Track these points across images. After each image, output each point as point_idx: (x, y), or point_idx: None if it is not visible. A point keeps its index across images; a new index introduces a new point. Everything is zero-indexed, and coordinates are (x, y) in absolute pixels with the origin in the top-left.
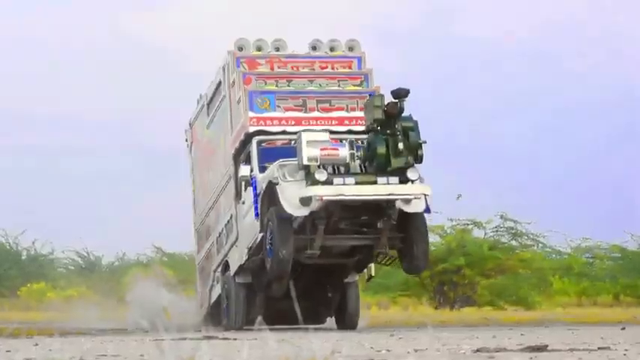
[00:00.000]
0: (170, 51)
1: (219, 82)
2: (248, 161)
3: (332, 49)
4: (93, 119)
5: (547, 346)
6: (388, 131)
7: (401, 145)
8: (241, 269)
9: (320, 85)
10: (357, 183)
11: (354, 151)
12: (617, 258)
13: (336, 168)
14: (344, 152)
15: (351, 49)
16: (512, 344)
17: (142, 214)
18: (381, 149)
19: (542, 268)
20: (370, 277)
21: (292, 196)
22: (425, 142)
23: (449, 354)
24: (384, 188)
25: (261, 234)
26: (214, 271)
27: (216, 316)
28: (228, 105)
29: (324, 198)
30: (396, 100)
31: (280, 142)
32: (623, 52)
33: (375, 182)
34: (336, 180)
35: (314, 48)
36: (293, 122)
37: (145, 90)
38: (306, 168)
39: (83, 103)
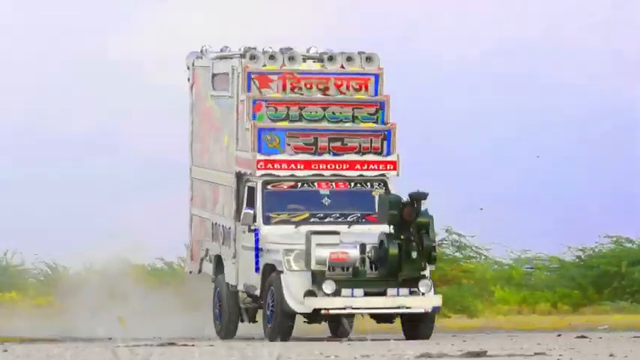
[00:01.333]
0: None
1: (228, 75)
2: (251, 201)
3: (349, 59)
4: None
5: (486, 351)
6: (402, 236)
7: (414, 254)
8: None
9: (333, 113)
10: (365, 294)
11: (365, 255)
12: (556, 269)
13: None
14: (354, 256)
15: (369, 59)
16: (454, 350)
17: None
18: (394, 253)
19: (485, 278)
20: None
21: (297, 291)
22: (440, 244)
23: (393, 359)
24: (393, 300)
25: (260, 292)
26: (208, 249)
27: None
28: (235, 114)
29: (331, 312)
30: (414, 205)
31: (287, 185)
32: None
33: (385, 293)
34: (345, 291)
35: (330, 58)
36: (302, 166)
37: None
38: (314, 272)
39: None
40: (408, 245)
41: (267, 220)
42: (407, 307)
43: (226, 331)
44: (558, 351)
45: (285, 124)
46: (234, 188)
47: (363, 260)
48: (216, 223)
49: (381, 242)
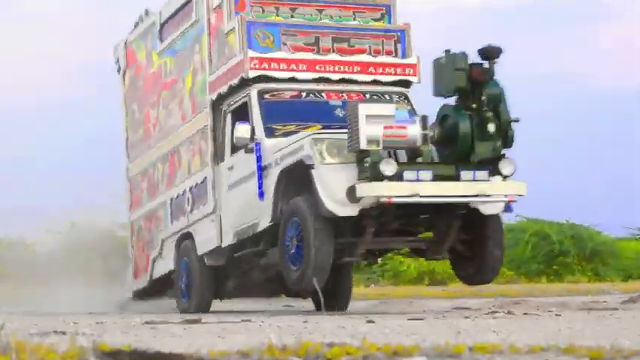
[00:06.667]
0: None
1: (187, 0)
2: (241, 115)
3: None
4: None
5: (201, 319)
6: (473, 105)
7: (491, 127)
8: (215, 251)
9: (331, 17)
10: (434, 178)
11: (428, 131)
12: None
13: (392, 152)
14: (414, 131)
15: None
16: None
17: None
18: (465, 129)
19: None
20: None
21: (336, 188)
22: (517, 120)
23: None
24: (470, 186)
25: (270, 223)
26: (163, 240)
27: (158, 291)
28: (206, 34)
29: (393, 200)
30: (484, 64)
31: (289, 94)
32: None
33: (458, 177)
34: (408, 174)
35: None
36: (305, 66)
37: None
38: (362, 152)
39: None
40: (481, 117)
41: (270, 132)
42: (487, 195)
43: (197, 308)
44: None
45: (278, 18)
46: (209, 125)
47: (424, 138)
48: (177, 196)
49: (445, 117)
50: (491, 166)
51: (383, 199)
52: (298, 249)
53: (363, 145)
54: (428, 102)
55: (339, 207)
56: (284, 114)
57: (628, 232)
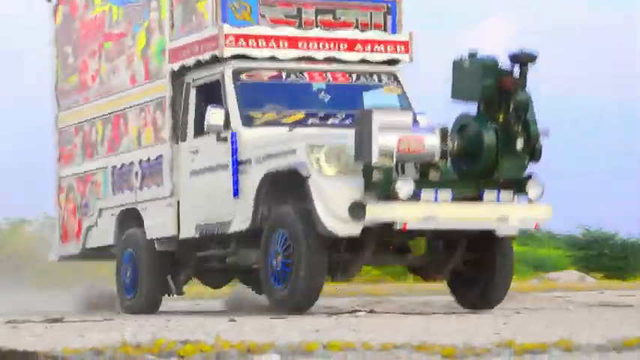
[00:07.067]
0: None
1: None
2: (209, 93)
3: None
4: None
5: (63, 318)
6: (500, 115)
7: (520, 144)
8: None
9: None
10: (454, 199)
11: (446, 145)
12: None
13: (400, 166)
14: (432, 145)
15: None
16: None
17: None
18: (491, 144)
19: None
20: None
21: (338, 204)
22: (547, 134)
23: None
24: (493, 210)
25: (249, 228)
26: (102, 210)
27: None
28: None
29: (409, 225)
30: (513, 72)
31: (267, 75)
32: None
33: (480, 197)
34: (426, 194)
35: None
36: (286, 44)
37: None
38: (370, 167)
39: None
40: (508, 130)
41: (247, 121)
42: (513, 220)
43: (146, 305)
44: None
45: None
46: (168, 98)
47: (443, 153)
48: (121, 166)
49: (464, 127)
50: (517, 185)
51: (398, 226)
52: (284, 266)
53: (375, 159)
54: (418, 80)
55: (341, 225)
56: (262, 98)
57: None
